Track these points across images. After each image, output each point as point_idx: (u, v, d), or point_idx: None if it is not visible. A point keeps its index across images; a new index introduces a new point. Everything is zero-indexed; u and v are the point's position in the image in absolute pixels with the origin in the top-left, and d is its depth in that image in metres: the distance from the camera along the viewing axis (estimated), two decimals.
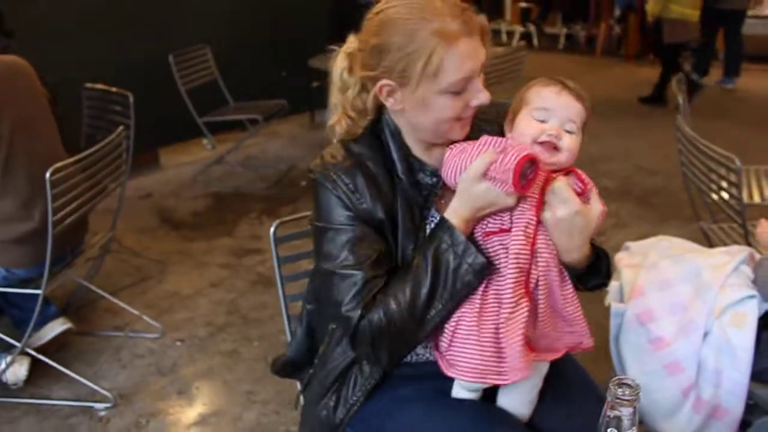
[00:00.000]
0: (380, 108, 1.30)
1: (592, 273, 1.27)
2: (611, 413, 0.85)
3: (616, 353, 1.80)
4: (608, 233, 3.77)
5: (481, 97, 1.21)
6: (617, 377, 0.82)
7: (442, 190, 1.27)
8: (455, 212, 1.18)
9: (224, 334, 2.93)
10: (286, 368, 1.57)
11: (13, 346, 2.46)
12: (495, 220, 1.19)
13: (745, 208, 2.40)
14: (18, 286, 2.39)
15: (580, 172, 1.22)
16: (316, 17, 5.53)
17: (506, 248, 1.17)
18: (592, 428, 0.89)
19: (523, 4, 10.78)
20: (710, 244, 2.76)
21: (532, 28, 10.49)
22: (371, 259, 1.21)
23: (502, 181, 1.12)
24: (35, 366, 2.54)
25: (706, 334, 1.68)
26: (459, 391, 1.29)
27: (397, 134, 1.29)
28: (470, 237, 1.19)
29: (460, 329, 1.20)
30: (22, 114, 2.28)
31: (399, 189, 1.26)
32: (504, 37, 10.86)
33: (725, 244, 2.67)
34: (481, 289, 1.18)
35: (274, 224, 1.66)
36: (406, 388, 1.32)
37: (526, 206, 1.18)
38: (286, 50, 5.38)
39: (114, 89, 3.18)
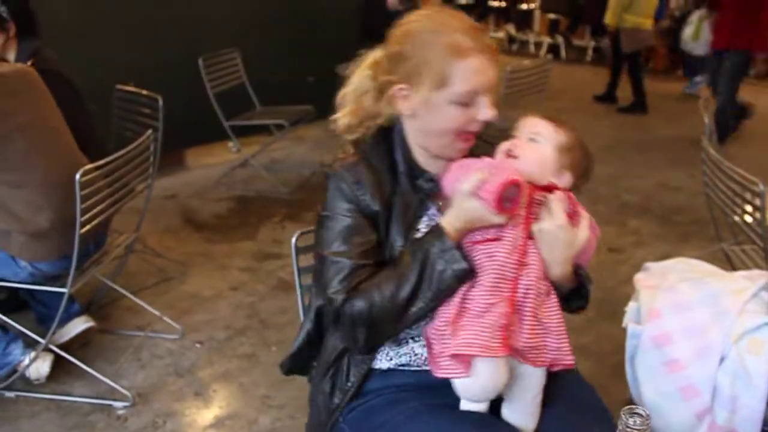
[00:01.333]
0: (394, 117, 1.39)
1: (574, 296, 1.38)
2: None
3: (632, 374, 1.80)
4: (628, 251, 3.76)
5: (487, 112, 1.29)
6: (628, 407, 0.83)
7: (441, 194, 1.36)
8: (449, 221, 1.27)
9: (243, 337, 2.96)
10: (291, 361, 1.58)
11: (36, 342, 2.51)
12: (483, 231, 1.28)
13: (766, 230, 2.38)
14: (44, 283, 2.44)
15: (573, 196, 1.33)
16: (345, 24, 5.57)
17: (491, 256, 1.26)
18: None
19: (552, 16, 10.75)
20: (732, 265, 2.74)
21: (560, 39, 10.46)
22: (361, 248, 1.32)
23: (488, 202, 1.21)
24: (57, 362, 2.59)
25: (722, 359, 1.68)
26: (465, 404, 1.32)
27: (404, 141, 1.39)
28: (459, 243, 1.27)
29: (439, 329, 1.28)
30: (32, 117, 2.34)
31: (398, 187, 1.36)
32: (532, 48, 10.85)
33: (747, 266, 2.65)
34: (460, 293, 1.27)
35: (296, 234, 1.69)
36: (414, 402, 1.36)
37: (513, 223, 1.27)
38: (314, 56, 5.42)
39: (144, 92, 3.24)
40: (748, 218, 2.49)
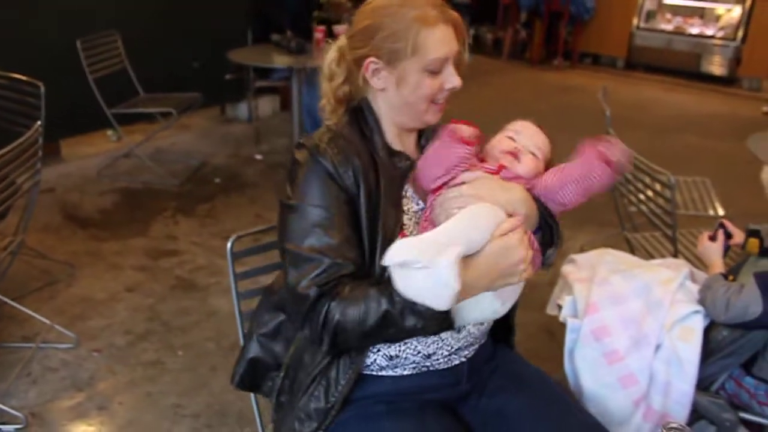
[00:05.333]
0: (360, 101, 1.39)
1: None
2: None
3: (570, 366, 1.81)
4: None
5: (453, 80, 1.33)
6: (669, 421, 0.80)
7: (413, 173, 1.37)
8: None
9: (145, 342, 2.76)
10: (248, 375, 1.50)
11: None
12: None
13: (675, 219, 2.49)
14: None
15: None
16: (232, 8, 5.34)
17: None
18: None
19: None
20: (632, 250, 2.86)
21: None
22: (337, 244, 1.24)
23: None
24: None
25: (658, 347, 1.73)
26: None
27: (377, 120, 1.38)
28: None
29: None
30: None
31: (379, 163, 1.33)
32: None
33: (648, 251, 2.78)
34: None
35: (231, 239, 1.56)
36: (377, 407, 1.34)
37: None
38: (198, 41, 5.14)
39: (22, 77, 2.92)
40: (653, 206, 2.60)
